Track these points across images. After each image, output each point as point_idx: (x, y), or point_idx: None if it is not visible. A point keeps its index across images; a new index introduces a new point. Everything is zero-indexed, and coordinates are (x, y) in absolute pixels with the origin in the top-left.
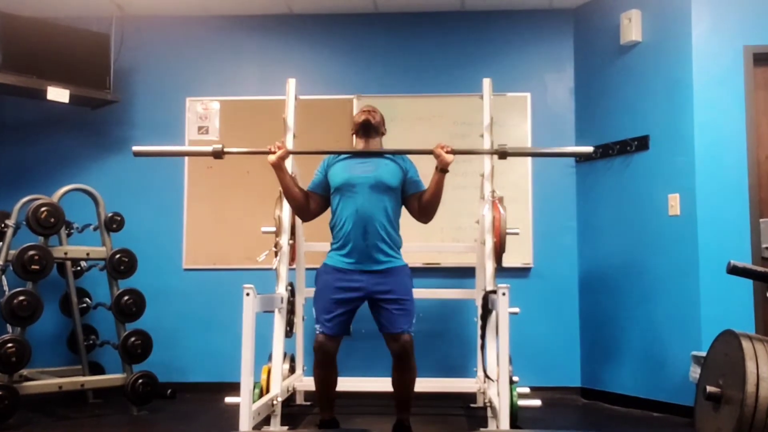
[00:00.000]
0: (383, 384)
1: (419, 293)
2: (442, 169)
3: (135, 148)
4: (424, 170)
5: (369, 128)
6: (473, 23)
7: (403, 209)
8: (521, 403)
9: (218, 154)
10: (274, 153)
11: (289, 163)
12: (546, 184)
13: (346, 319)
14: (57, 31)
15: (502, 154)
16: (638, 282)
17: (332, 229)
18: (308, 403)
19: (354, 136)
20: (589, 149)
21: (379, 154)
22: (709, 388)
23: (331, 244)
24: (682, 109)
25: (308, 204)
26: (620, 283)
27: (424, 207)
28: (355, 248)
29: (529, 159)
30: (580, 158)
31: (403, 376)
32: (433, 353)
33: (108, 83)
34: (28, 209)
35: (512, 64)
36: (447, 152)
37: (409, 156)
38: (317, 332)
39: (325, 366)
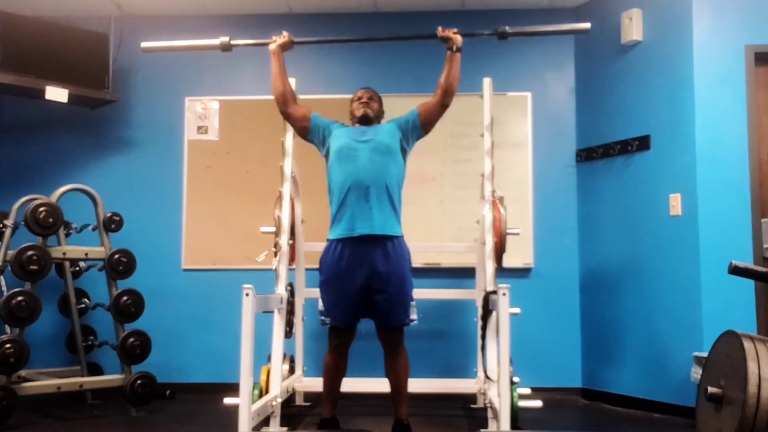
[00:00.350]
0: (383, 384)
1: (419, 293)
2: (458, 49)
3: (144, 45)
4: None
5: (368, 121)
6: (473, 23)
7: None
8: (522, 403)
9: (226, 47)
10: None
11: (289, 166)
12: (546, 184)
13: (354, 311)
14: (56, 31)
15: (502, 35)
16: (639, 282)
17: (331, 195)
18: (308, 403)
19: (352, 123)
20: (587, 25)
21: (377, 125)
22: (711, 389)
23: (332, 219)
24: (683, 108)
25: (293, 100)
26: (621, 284)
27: (443, 86)
28: (356, 211)
29: (530, 159)
30: (581, 158)
31: (393, 362)
32: (433, 354)
33: (107, 83)
34: (27, 209)
35: (512, 64)
36: (453, 34)
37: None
38: (328, 325)
39: (337, 354)
